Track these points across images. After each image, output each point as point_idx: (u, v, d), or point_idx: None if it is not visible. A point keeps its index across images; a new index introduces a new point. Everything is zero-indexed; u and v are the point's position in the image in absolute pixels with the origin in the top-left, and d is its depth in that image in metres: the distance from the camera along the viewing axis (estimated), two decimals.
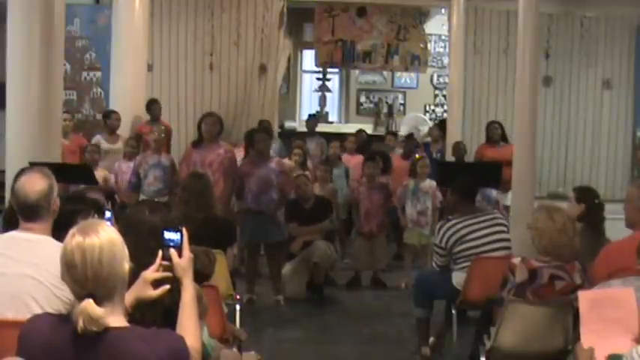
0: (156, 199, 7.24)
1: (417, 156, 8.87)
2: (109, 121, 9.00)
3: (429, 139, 11.44)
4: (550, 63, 11.25)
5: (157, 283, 2.60)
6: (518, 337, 4.14)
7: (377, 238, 8.17)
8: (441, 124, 11.14)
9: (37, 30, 5.58)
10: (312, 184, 8.06)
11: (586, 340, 3.22)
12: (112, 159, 8.50)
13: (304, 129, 10.95)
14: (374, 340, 6.29)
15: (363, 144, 10.23)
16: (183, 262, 2.62)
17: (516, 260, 4.17)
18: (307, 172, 8.61)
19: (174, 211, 5.48)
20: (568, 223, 4.11)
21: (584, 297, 3.34)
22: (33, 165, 4.57)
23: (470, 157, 10.06)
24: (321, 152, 10.13)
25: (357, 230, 8.31)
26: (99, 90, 10.75)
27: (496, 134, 9.45)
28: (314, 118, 11.06)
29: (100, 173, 7.78)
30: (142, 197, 7.38)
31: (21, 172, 3.43)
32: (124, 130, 9.13)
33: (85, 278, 2.18)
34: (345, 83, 15.11)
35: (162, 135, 7.86)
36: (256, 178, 7.16)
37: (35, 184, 3.12)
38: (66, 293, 2.79)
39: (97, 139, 8.85)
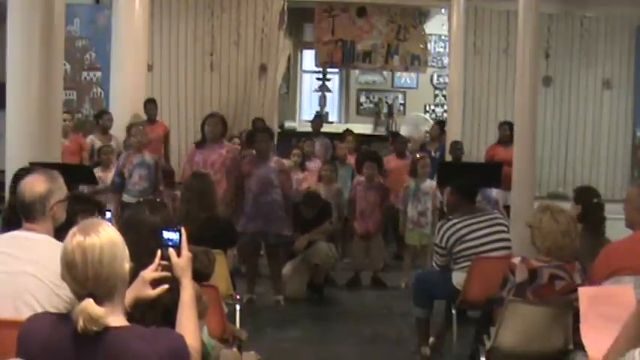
0: (141, 199, 7.23)
1: (417, 155, 8.86)
2: (102, 121, 9.01)
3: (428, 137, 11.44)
4: (550, 63, 11.26)
5: (155, 283, 2.60)
6: (518, 337, 4.13)
7: (373, 238, 8.16)
8: (441, 124, 11.13)
9: (37, 30, 5.57)
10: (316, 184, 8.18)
11: (586, 336, 3.22)
12: None
13: (304, 129, 10.94)
14: (374, 340, 6.29)
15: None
16: (182, 262, 2.62)
17: (516, 260, 4.17)
18: (306, 173, 8.64)
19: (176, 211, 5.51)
20: (571, 225, 4.10)
21: (583, 293, 3.34)
22: (33, 165, 4.58)
23: (470, 157, 10.06)
24: (325, 152, 10.11)
25: (351, 230, 8.29)
26: (99, 90, 10.76)
27: (505, 135, 9.48)
28: (319, 119, 11.04)
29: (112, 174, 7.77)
30: (125, 197, 7.35)
31: (19, 172, 3.43)
32: (122, 131, 9.11)
33: (85, 278, 2.18)
34: (345, 83, 15.11)
35: (140, 135, 7.79)
36: (256, 178, 7.15)
37: (34, 185, 3.10)
38: (66, 292, 2.79)
39: (91, 139, 8.86)
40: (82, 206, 3.68)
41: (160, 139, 9.39)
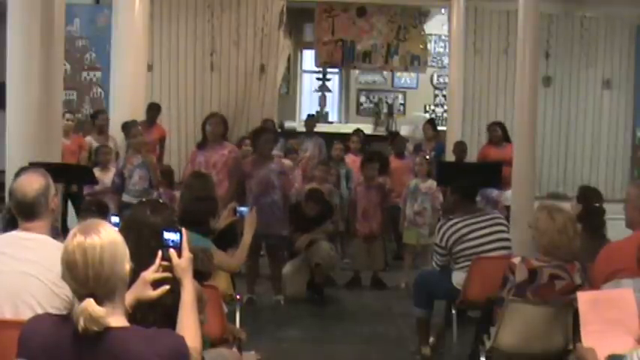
0: (142, 199, 7.24)
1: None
2: (97, 121, 9.01)
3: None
4: (550, 63, 11.25)
5: (156, 284, 2.60)
6: (519, 337, 4.14)
7: (375, 238, 8.15)
8: (432, 122, 11.10)
9: (37, 30, 5.57)
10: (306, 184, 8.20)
11: (587, 340, 3.22)
12: None
13: (304, 129, 10.95)
14: (374, 340, 6.29)
15: (362, 144, 10.21)
16: (183, 263, 2.62)
17: (516, 260, 4.17)
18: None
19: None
20: (569, 224, 4.10)
21: (582, 298, 3.34)
22: (32, 165, 4.58)
23: (470, 157, 10.05)
24: (319, 152, 10.11)
25: (353, 231, 8.28)
26: (99, 90, 10.76)
27: (495, 136, 9.45)
28: (312, 118, 11.06)
29: (112, 174, 7.77)
30: (125, 197, 7.36)
31: (19, 172, 3.43)
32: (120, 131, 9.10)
33: (85, 278, 2.18)
34: (345, 83, 15.12)
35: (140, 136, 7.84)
36: (257, 179, 7.15)
37: (33, 183, 3.15)
38: (66, 291, 2.80)
39: (89, 139, 8.85)
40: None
41: (156, 142, 9.35)
